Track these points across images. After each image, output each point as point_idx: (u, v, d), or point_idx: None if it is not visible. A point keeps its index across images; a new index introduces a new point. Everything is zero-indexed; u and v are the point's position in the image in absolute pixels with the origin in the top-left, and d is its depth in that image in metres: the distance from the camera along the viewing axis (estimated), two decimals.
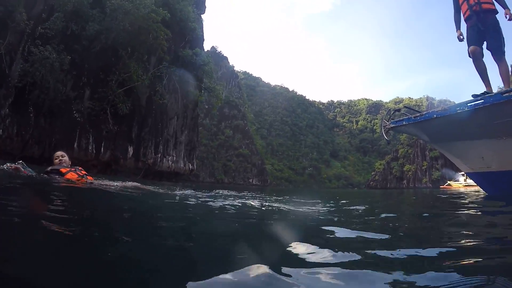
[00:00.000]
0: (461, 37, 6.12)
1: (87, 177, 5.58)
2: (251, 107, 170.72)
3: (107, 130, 25.91)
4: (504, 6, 5.59)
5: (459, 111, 5.68)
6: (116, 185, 5.72)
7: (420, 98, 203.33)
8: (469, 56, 5.96)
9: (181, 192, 6.86)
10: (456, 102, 5.70)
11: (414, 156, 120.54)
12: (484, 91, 5.68)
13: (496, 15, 5.82)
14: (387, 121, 7.47)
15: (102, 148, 26.03)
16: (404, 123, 6.95)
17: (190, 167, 39.88)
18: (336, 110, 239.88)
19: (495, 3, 5.81)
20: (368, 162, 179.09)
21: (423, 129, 6.88)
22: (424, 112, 6.63)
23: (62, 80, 23.74)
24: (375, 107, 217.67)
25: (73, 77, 24.89)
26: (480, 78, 6.01)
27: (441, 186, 49.90)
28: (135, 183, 6.37)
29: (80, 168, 5.69)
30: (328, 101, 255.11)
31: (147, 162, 29.42)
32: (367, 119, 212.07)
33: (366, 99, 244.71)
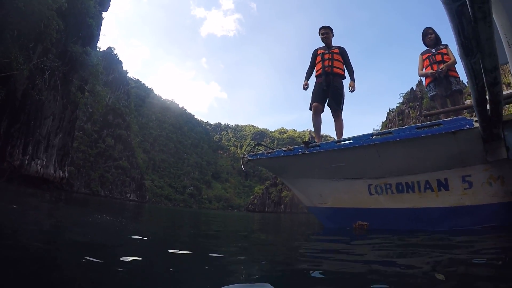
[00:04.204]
0: (306, 86, 6.64)
1: None
2: (137, 118, 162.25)
3: None
4: (352, 78, 6.32)
5: (301, 152, 6.24)
6: None
7: (304, 131, 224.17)
8: (310, 109, 6.57)
9: None
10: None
11: None
12: (314, 141, 6.41)
13: (343, 80, 6.45)
14: (246, 154, 7.94)
15: None
16: (258, 157, 7.46)
17: (61, 174, 35.52)
18: (222, 133, 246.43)
19: (345, 70, 6.48)
20: (248, 186, 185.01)
21: (272, 164, 7.44)
22: (275, 150, 7.13)
23: None
24: (260, 134, 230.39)
25: None
26: (315, 130, 6.73)
27: None
28: None
29: None
30: (216, 123, 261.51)
31: (13, 163, 25.22)
32: (252, 145, 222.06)
33: (253, 126, 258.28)
